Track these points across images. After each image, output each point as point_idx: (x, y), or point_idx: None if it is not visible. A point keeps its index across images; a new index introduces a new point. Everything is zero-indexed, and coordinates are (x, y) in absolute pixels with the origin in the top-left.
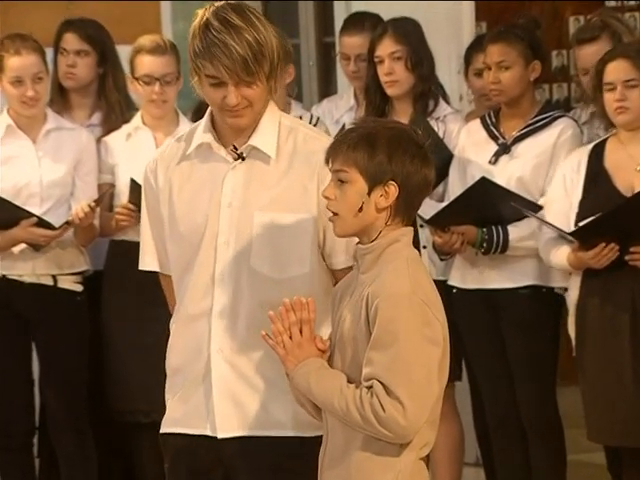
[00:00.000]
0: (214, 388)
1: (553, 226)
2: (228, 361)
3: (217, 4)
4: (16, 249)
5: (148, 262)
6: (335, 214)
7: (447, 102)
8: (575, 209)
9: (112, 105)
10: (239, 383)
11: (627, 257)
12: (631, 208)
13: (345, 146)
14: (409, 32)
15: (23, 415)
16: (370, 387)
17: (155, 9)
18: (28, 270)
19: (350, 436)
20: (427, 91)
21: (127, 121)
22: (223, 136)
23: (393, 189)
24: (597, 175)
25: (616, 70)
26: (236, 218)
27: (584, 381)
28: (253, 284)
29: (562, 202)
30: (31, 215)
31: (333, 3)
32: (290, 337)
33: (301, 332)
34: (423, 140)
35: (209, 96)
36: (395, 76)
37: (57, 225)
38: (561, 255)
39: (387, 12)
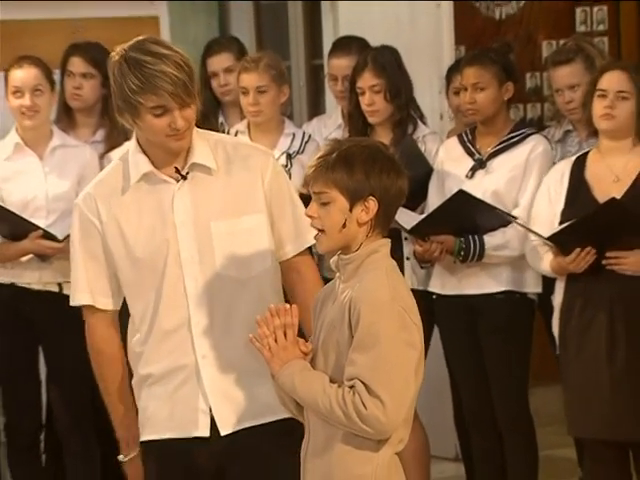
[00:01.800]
0: (207, 390)
1: (533, 232)
2: (214, 364)
3: (128, 44)
4: (24, 259)
5: (79, 297)
6: (321, 231)
7: (424, 124)
8: (558, 218)
9: (115, 124)
10: (228, 381)
11: (604, 262)
12: (602, 215)
13: (324, 168)
14: (388, 64)
15: (30, 413)
16: (352, 387)
17: (154, 33)
18: (35, 278)
19: (331, 432)
20: (405, 117)
21: (128, 139)
22: (159, 162)
23: (373, 204)
24: (578, 186)
25: (611, 79)
26: (194, 233)
27: (566, 378)
28: (223, 289)
29: (547, 211)
30: (37, 228)
31: (322, 28)
32: (275, 340)
33: (285, 336)
34: (394, 154)
35: (153, 128)
36: (375, 106)
37: (62, 236)
38: (546, 261)
39: (373, 36)
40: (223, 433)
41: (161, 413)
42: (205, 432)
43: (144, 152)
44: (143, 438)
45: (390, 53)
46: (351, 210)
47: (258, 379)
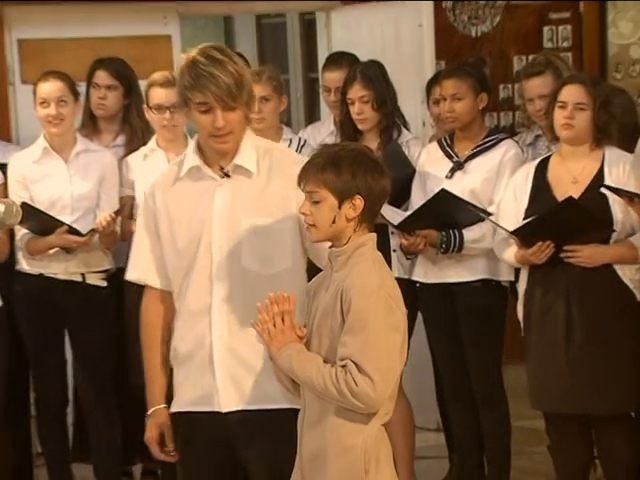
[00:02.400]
0: (217, 371)
1: (501, 227)
2: (228, 348)
3: (200, 46)
4: (52, 252)
5: (134, 274)
6: (312, 225)
7: (408, 130)
8: (522, 214)
9: (135, 130)
10: (238, 366)
11: (562, 254)
12: (560, 212)
13: (314, 170)
14: (375, 76)
15: (57, 390)
16: (344, 366)
17: (167, 50)
18: (61, 269)
19: (324, 406)
20: (391, 124)
21: (145, 144)
22: (209, 159)
23: (359, 202)
24: (541, 186)
25: (571, 92)
26: (226, 226)
27: (528, 357)
28: (245, 281)
29: (512, 208)
30: (63, 224)
31: (317, 45)
32: (274, 325)
33: (283, 321)
34: (377, 156)
35: (200, 123)
36: (364, 115)
37: (85, 232)
38: (510, 253)
39: (362, 52)
40: (224, 410)
41: (184, 389)
42: (217, 408)
43: (199, 150)
44: (172, 409)
45: (377, 67)
46: (340, 207)
47: (267, 371)
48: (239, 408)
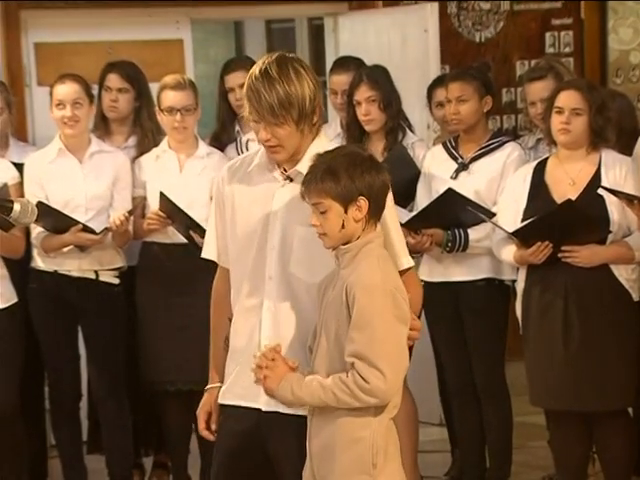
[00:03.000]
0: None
1: (501, 228)
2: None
3: (272, 55)
4: (66, 249)
5: (207, 252)
6: (323, 234)
7: (412, 132)
8: (520, 215)
9: (146, 132)
10: None
11: (560, 255)
12: (558, 214)
13: (314, 182)
14: (380, 79)
15: (71, 385)
16: (350, 368)
17: (179, 54)
18: (75, 266)
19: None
20: (396, 125)
21: (157, 145)
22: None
23: (363, 202)
24: (539, 187)
25: (567, 98)
26: (281, 229)
27: (527, 355)
28: (290, 285)
29: (511, 209)
30: (77, 222)
31: (325, 49)
32: (266, 367)
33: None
34: (368, 151)
35: (254, 130)
36: (371, 116)
37: (98, 230)
38: (508, 252)
39: (369, 57)
40: (264, 409)
41: (233, 382)
42: (259, 405)
43: None
44: (219, 401)
45: (381, 70)
46: (346, 212)
47: None
48: (277, 410)
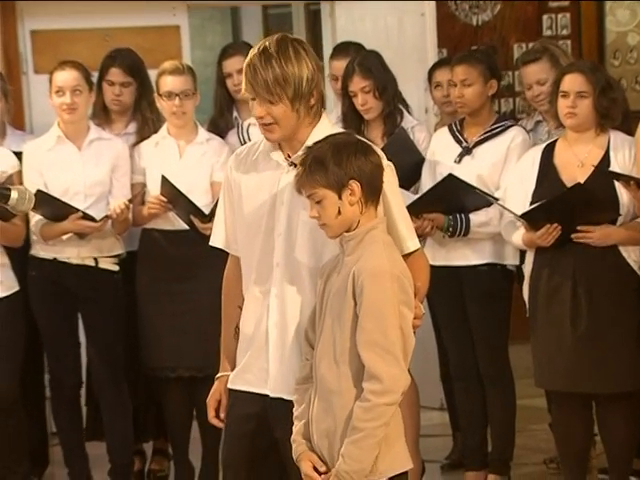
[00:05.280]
0: (270, 357)
1: (509, 211)
2: (281, 336)
3: (275, 35)
4: (65, 237)
5: (215, 240)
6: (323, 224)
7: (410, 114)
8: (529, 198)
9: (146, 120)
10: (288, 354)
11: (573, 235)
12: (568, 198)
13: (304, 174)
14: (373, 66)
15: (71, 372)
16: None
17: (176, 40)
18: (74, 254)
19: (335, 385)
20: (393, 110)
21: (156, 131)
22: (282, 144)
23: (355, 186)
24: (547, 170)
25: (571, 81)
26: (287, 215)
27: (534, 337)
28: (295, 271)
29: (519, 191)
30: (77, 210)
31: (322, 35)
32: None
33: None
34: (356, 136)
35: (251, 109)
36: (368, 105)
37: (98, 218)
38: (517, 235)
39: (366, 41)
40: (272, 395)
41: (242, 368)
42: (267, 392)
43: None
44: (229, 386)
45: (373, 56)
46: (340, 198)
47: None
48: (282, 396)
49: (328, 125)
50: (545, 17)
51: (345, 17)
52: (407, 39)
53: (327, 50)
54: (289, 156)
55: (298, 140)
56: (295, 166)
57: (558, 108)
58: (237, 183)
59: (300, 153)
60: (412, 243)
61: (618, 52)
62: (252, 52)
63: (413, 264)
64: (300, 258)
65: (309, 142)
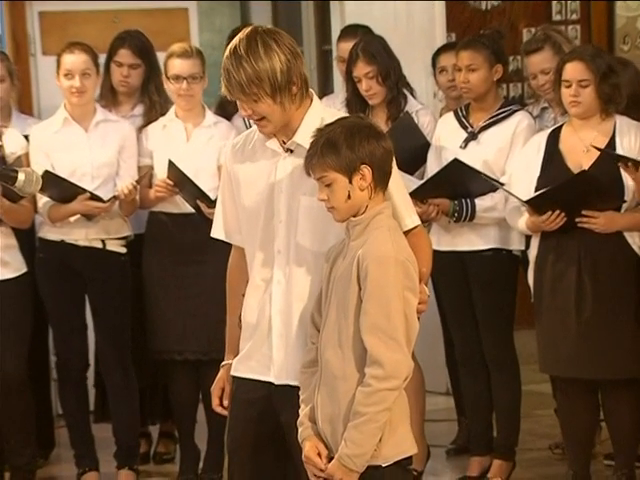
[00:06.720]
0: (274, 344)
1: (514, 196)
2: (284, 323)
3: (245, 31)
4: (72, 218)
5: (216, 231)
6: (332, 208)
7: (415, 98)
8: (534, 183)
9: (153, 103)
10: (292, 341)
11: (577, 219)
12: (573, 184)
13: (315, 157)
14: (376, 51)
15: (78, 353)
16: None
17: (185, 23)
18: (82, 235)
19: (339, 371)
20: (397, 94)
21: (164, 114)
22: (276, 132)
23: (366, 171)
24: (553, 155)
25: (572, 70)
26: (286, 202)
27: (539, 322)
28: (299, 256)
29: (524, 177)
30: (85, 191)
31: (330, 18)
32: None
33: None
34: (367, 120)
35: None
36: (373, 90)
37: (106, 199)
38: (522, 221)
39: (375, 25)
40: (276, 383)
41: (246, 355)
42: (271, 379)
43: None
44: (232, 373)
45: (377, 41)
46: (351, 182)
47: None
48: (288, 383)
49: (320, 107)
50: (554, 2)
51: (355, 4)
52: (416, 23)
53: (335, 33)
54: (284, 142)
55: (291, 126)
56: (291, 152)
57: (562, 97)
58: (235, 174)
59: (300, 133)
60: (410, 220)
61: (627, 37)
62: (225, 54)
63: (413, 242)
64: (303, 243)
65: (302, 127)
